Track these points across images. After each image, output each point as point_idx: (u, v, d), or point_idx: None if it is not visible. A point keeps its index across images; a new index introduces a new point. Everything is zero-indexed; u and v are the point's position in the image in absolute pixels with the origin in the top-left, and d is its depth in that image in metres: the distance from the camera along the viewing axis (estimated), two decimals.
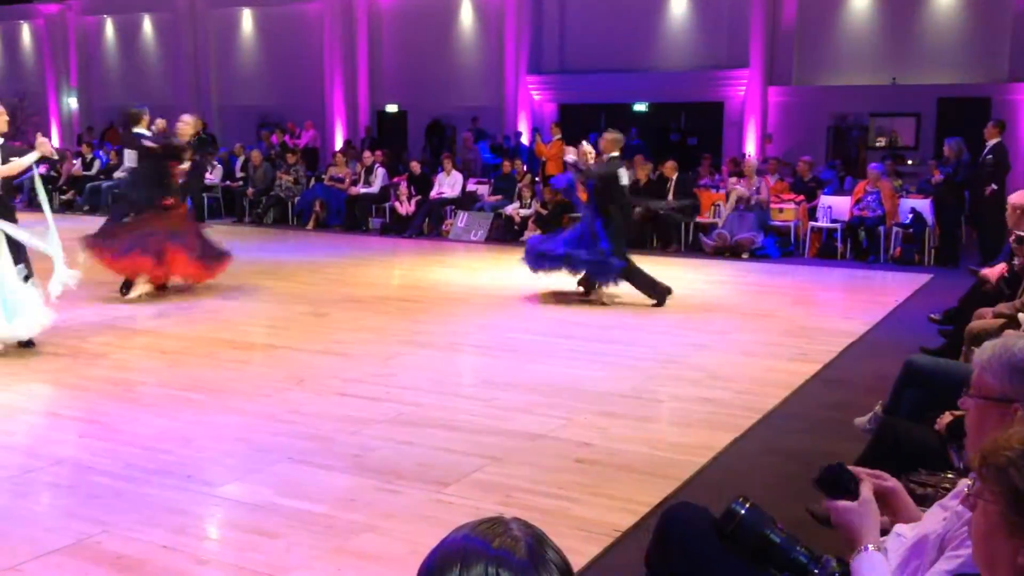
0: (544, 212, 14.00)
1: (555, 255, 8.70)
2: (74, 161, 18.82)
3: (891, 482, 2.16)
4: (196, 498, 3.99)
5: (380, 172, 15.44)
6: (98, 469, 4.30)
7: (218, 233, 10.26)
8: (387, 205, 15.07)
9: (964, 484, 2.06)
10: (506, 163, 15.41)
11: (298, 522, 3.72)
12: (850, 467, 2.10)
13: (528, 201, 14.28)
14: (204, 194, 16.09)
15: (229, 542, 3.62)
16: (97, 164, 18.56)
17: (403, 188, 14.82)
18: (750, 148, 17.11)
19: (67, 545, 3.49)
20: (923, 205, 12.17)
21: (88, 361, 6.34)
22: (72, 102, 25.18)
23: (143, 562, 3.37)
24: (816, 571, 2.00)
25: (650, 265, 11.54)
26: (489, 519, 1.13)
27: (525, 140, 18.14)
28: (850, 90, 16.71)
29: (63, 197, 18.16)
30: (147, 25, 23.98)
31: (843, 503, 1.99)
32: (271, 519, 3.75)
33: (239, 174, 16.96)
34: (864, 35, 16.87)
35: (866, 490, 2.00)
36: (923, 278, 10.53)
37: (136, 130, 9.46)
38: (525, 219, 14.16)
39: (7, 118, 7.08)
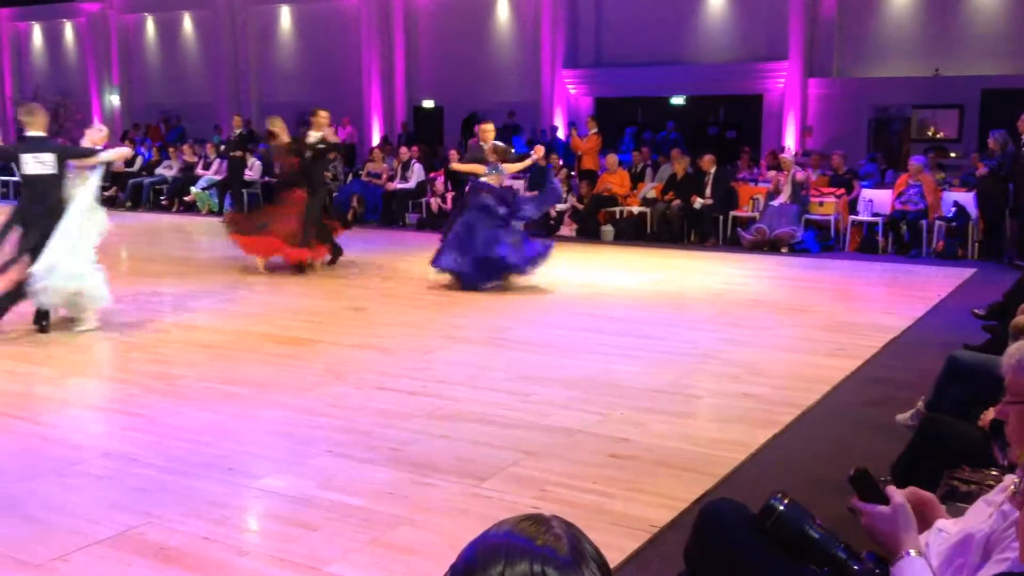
0: (580, 207, 13.98)
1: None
2: None
3: (927, 494, 2.13)
4: (237, 490, 4.05)
5: (416, 167, 15.50)
6: (142, 461, 4.37)
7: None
8: (424, 200, 15.13)
9: (1010, 480, 2.02)
10: (541, 158, 15.38)
11: (337, 514, 3.76)
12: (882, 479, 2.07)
13: (564, 196, 14.25)
14: (244, 190, 16.25)
15: (269, 534, 3.67)
16: (139, 161, 18.83)
17: (439, 183, 14.87)
18: (789, 141, 16.94)
19: (112, 536, 3.55)
20: (966, 198, 11.98)
21: (131, 355, 6.45)
22: (114, 100, 25.54)
23: (185, 553, 3.42)
24: (856, 567, 1.98)
25: (687, 259, 11.53)
26: (530, 516, 1.13)
27: (561, 135, 18.11)
28: (892, 82, 16.48)
29: (105, 193, 18.43)
30: (187, 23, 24.26)
31: (875, 507, 1.95)
32: (310, 511, 3.80)
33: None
34: (906, 25, 16.62)
35: (898, 495, 1.96)
36: (966, 272, 10.37)
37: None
38: (561, 214, 14.14)
39: (44, 119, 7.21)
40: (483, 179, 9.29)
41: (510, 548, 1.07)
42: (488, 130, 9.73)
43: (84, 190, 7.14)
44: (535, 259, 9.05)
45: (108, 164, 7.73)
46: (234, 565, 3.35)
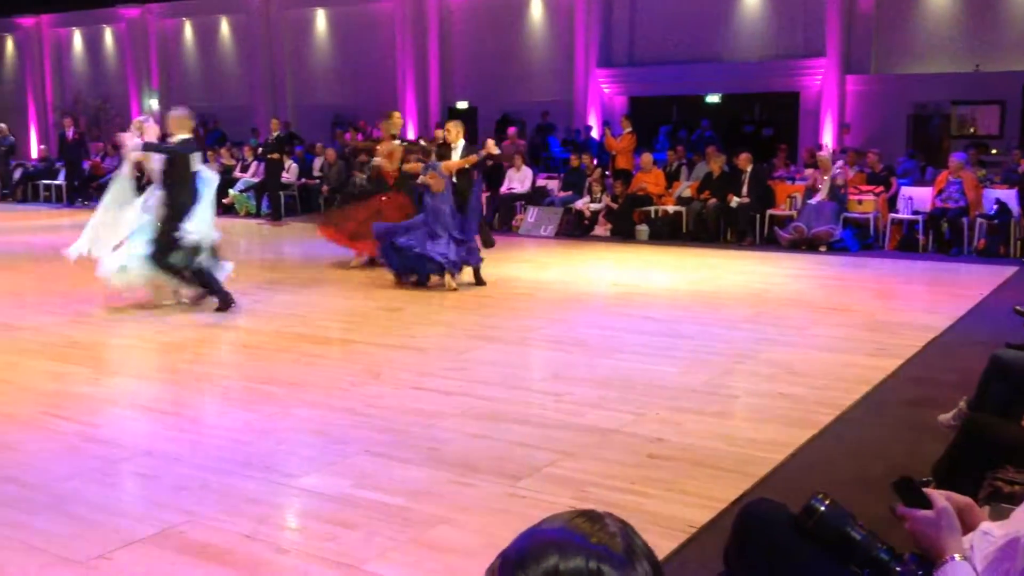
0: (615, 206, 13.94)
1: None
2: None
3: (965, 498, 2.10)
4: (277, 489, 4.09)
5: None
6: (183, 460, 4.43)
7: (295, 230, 10.46)
8: None
9: None
10: (574, 157, 15.38)
11: (375, 513, 3.78)
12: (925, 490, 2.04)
13: (598, 195, 14.23)
14: (281, 192, 16.41)
15: (308, 532, 3.70)
16: None
17: None
18: (827, 139, 16.77)
19: (154, 534, 3.60)
20: (1008, 195, 11.79)
21: (172, 355, 6.53)
22: (153, 103, 25.88)
23: (226, 551, 3.46)
24: (898, 569, 1.96)
25: (723, 259, 11.45)
26: (584, 512, 1.12)
27: (595, 134, 18.07)
28: (931, 78, 16.25)
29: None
30: (224, 27, 24.52)
31: (919, 512, 1.93)
32: (349, 510, 3.82)
33: (317, 173, 17.25)
34: (945, 20, 16.38)
35: (940, 499, 1.93)
36: (1008, 270, 10.21)
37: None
38: (595, 213, 14.11)
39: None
40: (420, 180, 9.26)
41: (565, 543, 1.07)
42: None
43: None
44: (455, 263, 9.08)
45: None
46: (274, 563, 3.38)
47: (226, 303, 7.99)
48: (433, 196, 9.03)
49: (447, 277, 9.05)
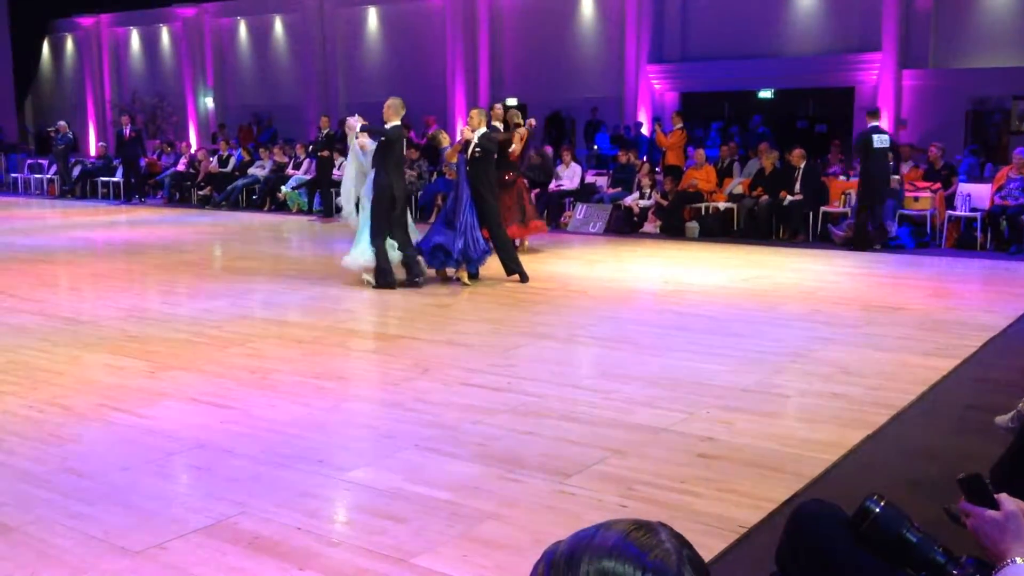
0: (664, 203, 13.85)
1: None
2: (211, 159, 19.66)
3: None
4: (327, 482, 4.13)
5: None
6: (236, 453, 4.49)
7: (345, 227, 10.55)
8: None
9: None
10: (622, 154, 15.30)
11: (424, 508, 3.80)
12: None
13: (647, 192, 14.15)
14: (332, 189, 16.57)
15: (358, 525, 3.73)
16: (232, 161, 19.35)
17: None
18: None
19: (207, 525, 3.66)
20: None
21: (226, 349, 6.63)
22: (208, 102, 26.30)
23: (278, 543, 3.51)
24: (955, 572, 1.92)
25: (775, 256, 11.31)
26: (640, 525, 1.11)
27: (645, 131, 17.97)
28: (991, 72, 15.89)
29: (200, 192, 19.02)
30: (278, 26, 24.83)
31: (986, 511, 1.89)
32: (398, 504, 3.85)
33: None
34: (1006, 13, 16.00)
35: (1011, 503, 1.89)
36: None
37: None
38: (644, 210, 14.03)
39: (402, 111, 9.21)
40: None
41: (621, 552, 1.07)
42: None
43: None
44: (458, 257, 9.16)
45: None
46: (324, 555, 3.42)
47: (390, 285, 8.90)
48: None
49: (459, 270, 9.24)
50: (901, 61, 16.66)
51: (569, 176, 15.02)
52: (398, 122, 9.08)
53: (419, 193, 15.94)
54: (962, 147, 15.26)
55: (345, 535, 3.63)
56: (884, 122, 16.69)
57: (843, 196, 12.99)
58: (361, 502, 3.95)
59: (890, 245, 11.72)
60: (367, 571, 3.29)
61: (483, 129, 9.65)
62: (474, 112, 9.99)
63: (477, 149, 9.44)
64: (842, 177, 13.49)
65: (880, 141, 11.66)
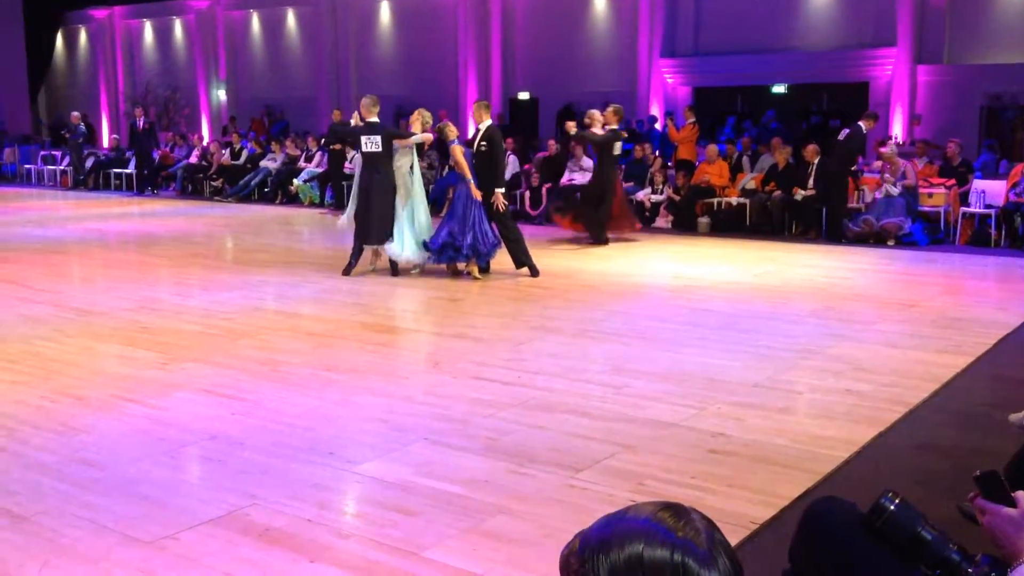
0: (676, 198, 13.81)
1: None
2: (223, 151, 19.69)
3: None
4: (338, 475, 4.14)
5: (511, 159, 15.50)
6: (248, 445, 4.50)
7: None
8: (518, 192, 15.15)
9: None
10: (638, 148, 15.26)
11: (434, 501, 3.81)
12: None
13: (660, 187, 14.11)
14: (344, 183, 16.57)
15: (368, 518, 3.73)
16: (244, 153, 19.37)
17: (535, 176, 14.88)
18: (896, 130, 16.40)
19: (219, 516, 3.67)
20: None
21: (238, 342, 6.65)
22: (221, 94, 26.35)
23: (289, 535, 3.51)
24: (970, 570, 1.90)
25: (788, 252, 11.27)
26: (670, 506, 1.12)
27: (657, 125, 17.91)
28: (1006, 68, 15.77)
29: (213, 184, 19.06)
30: (290, 18, 24.85)
31: (1001, 508, 1.87)
32: (408, 497, 3.85)
33: None
34: (1021, 9, 15.89)
35: None
36: None
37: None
38: (656, 205, 14.00)
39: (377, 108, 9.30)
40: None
41: (651, 533, 1.07)
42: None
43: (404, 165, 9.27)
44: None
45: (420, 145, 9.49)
46: (335, 547, 3.43)
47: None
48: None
49: (469, 265, 9.26)
50: (916, 56, 16.56)
51: (581, 170, 14.98)
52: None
53: (430, 186, 15.92)
54: (976, 143, 15.16)
55: (355, 528, 3.63)
56: (899, 119, 16.61)
57: (857, 192, 12.92)
58: (371, 495, 3.95)
59: (903, 241, 11.66)
60: (377, 564, 3.29)
61: (488, 122, 9.62)
62: (475, 105, 10.04)
63: (483, 143, 9.42)
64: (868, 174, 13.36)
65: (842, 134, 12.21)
